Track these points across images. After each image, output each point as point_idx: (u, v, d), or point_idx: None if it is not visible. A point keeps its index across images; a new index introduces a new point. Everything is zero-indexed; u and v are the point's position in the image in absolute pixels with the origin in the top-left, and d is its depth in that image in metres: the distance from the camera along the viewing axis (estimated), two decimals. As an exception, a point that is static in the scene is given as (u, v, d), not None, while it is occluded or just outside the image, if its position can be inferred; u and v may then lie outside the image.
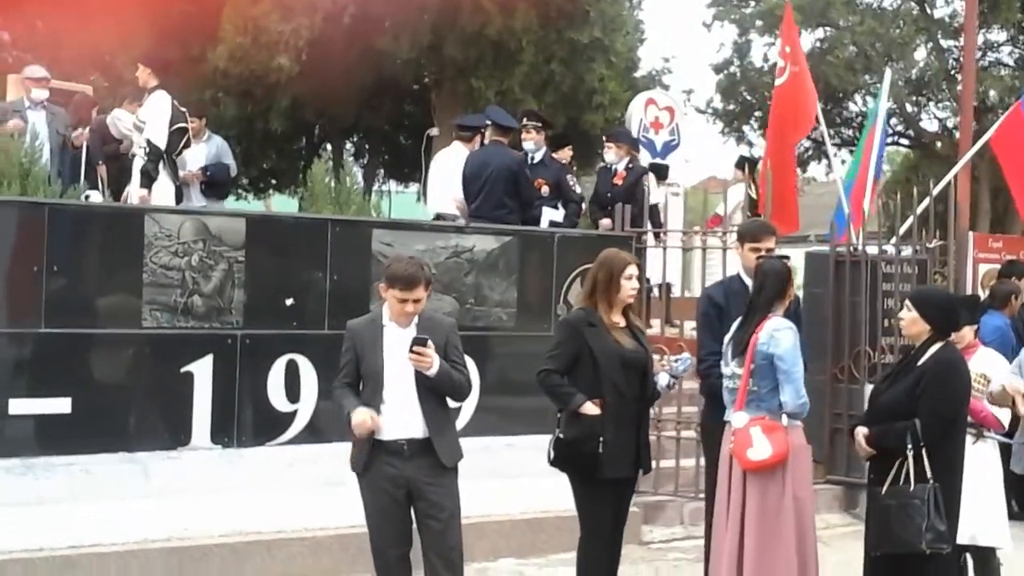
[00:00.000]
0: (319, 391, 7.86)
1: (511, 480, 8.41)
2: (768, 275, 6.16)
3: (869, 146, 10.61)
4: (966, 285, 10.76)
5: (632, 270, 6.47)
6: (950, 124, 21.35)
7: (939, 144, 22.23)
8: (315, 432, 7.87)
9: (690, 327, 10.74)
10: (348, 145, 22.58)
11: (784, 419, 5.88)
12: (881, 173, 10.66)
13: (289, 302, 7.85)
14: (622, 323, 6.44)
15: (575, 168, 12.27)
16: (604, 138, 12.38)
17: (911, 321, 6.03)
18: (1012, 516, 7.33)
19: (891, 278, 10.08)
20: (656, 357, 6.78)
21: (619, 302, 6.41)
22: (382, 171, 22.77)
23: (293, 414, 7.84)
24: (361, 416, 5.77)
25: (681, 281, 10.78)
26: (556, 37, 16.17)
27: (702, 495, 9.42)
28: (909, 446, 5.71)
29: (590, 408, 6.21)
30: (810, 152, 22.51)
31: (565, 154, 12.09)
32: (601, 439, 6.19)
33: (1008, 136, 10.61)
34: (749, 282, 6.69)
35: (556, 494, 7.90)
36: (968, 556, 6.74)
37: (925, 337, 5.98)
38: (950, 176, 11.00)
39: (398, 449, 5.86)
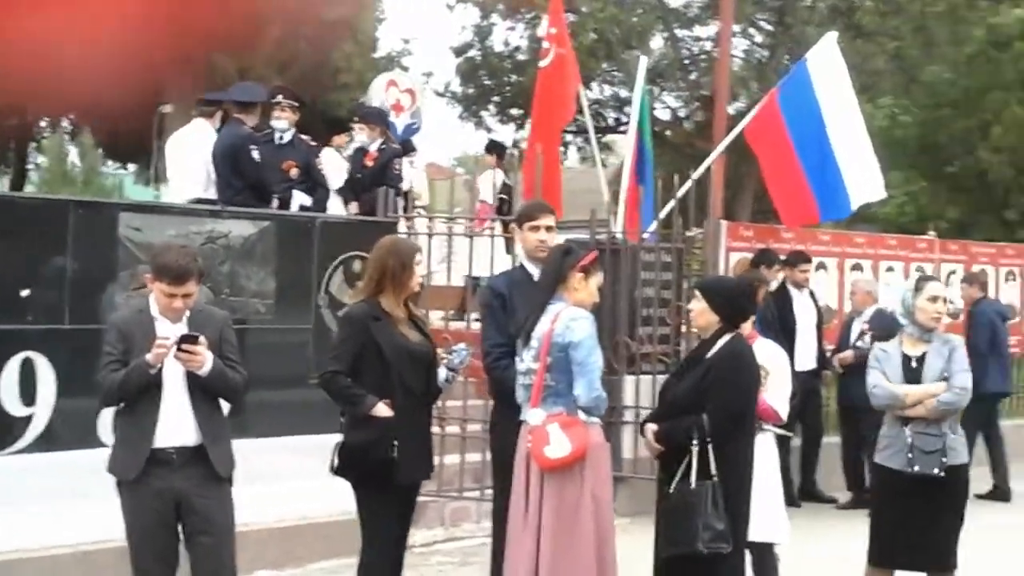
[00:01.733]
0: (58, 393, 7.09)
1: (267, 486, 7.82)
2: (547, 258, 5.94)
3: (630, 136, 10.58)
4: (718, 274, 10.80)
5: (419, 257, 6.17)
6: (682, 113, 21.83)
7: (669, 133, 22.66)
8: (54, 439, 7.08)
9: (442, 316, 10.45)
10: (65, 123, 21.23)
11: (582, 414, 5.58)
12: (649, 165, 10.59)
13: (24, 293, 7.04)
14: (404, 315, 6.05)
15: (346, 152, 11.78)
16: (355, 118, 11.93)
17: (700, 312, 5.84)
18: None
19: (651, 267, 10.03)
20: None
21: (407, 292, 6.03)
22: (100, 151, 21.51)
23: (28, 419, 7.03)
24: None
25: (448, 269, 10.41)
26: (302, 12, 15.51)
27: (465, 494, 9.20)
28: (694, 442, 5.51)
29: (383, 410, 5.80)
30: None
31: (342, 140, 11.58)
32: (395, 442, 5.81)
33: (762, 126, 10.73)
34: (533, 269, 6.44)
35: (313, 500, 7.53)
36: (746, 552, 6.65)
37: (714, 328, 5.81)
38: (708, 162, 11.07)
39: (167, 458, 5.31)
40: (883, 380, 6.42)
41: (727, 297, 5.88)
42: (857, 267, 12.27)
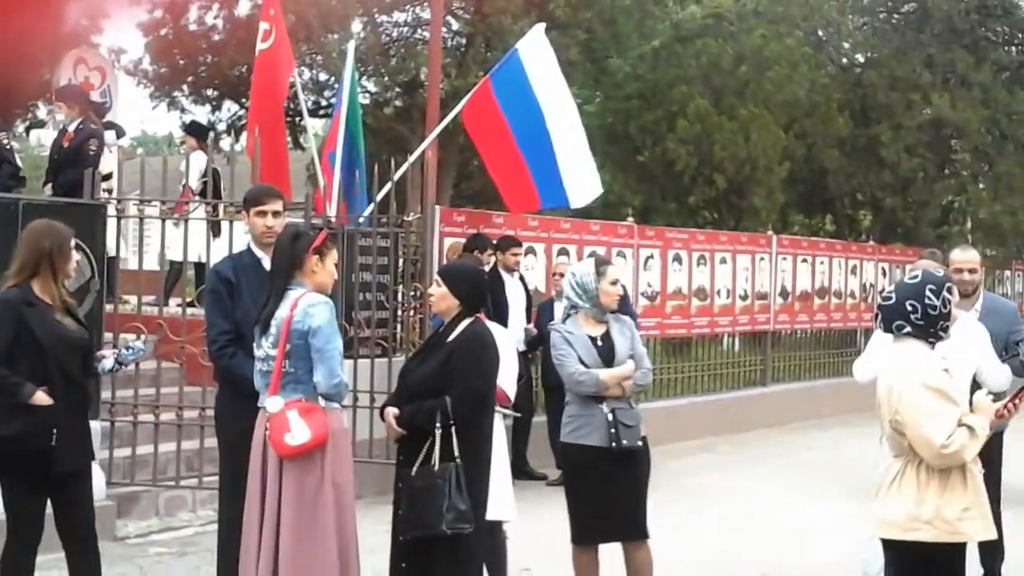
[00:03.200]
0: None
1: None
2: (276, 245, 5.79)
3: (339, 119, 10.51)
4: (433, 258, 10.90)
5: (73, 241, 6.06)
6: (382, 99, 21.76)
7: (369, 118, 22.52)
8: None
9: (147, 302, 10.10)
10: None
11: (321, 401, 5.52)
12: (361, 149, 10.54)
13: None
14: (58, 300, 5.92)
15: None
16: (54, 96, 11.38)
17: (441, 296, 5.87)
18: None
19: (368, 251, 10.02)
20: (129, 336, 6.25)
21: (63, 276, 5.95)
22: None
23: None
24: None
25: (159, 254, 10.03)
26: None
27: (182, 483, 8.96)
28: (438, 424, 5.55)
29: (43, 398, 5.67)
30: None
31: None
32: (55, 431, 5.71)
33: (477, 112, 10.86)
34: (260, 254, 6.34)
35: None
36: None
37: (455, 313, 5.86)
38: (425, 146, 11.11)
39: None
40: (581, 366, 6.49)
41: (468, 283, 5.92)
42: (563, 252, 12.64)
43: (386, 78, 20.76)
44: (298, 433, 5.41)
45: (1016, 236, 20.65)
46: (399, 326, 10.74)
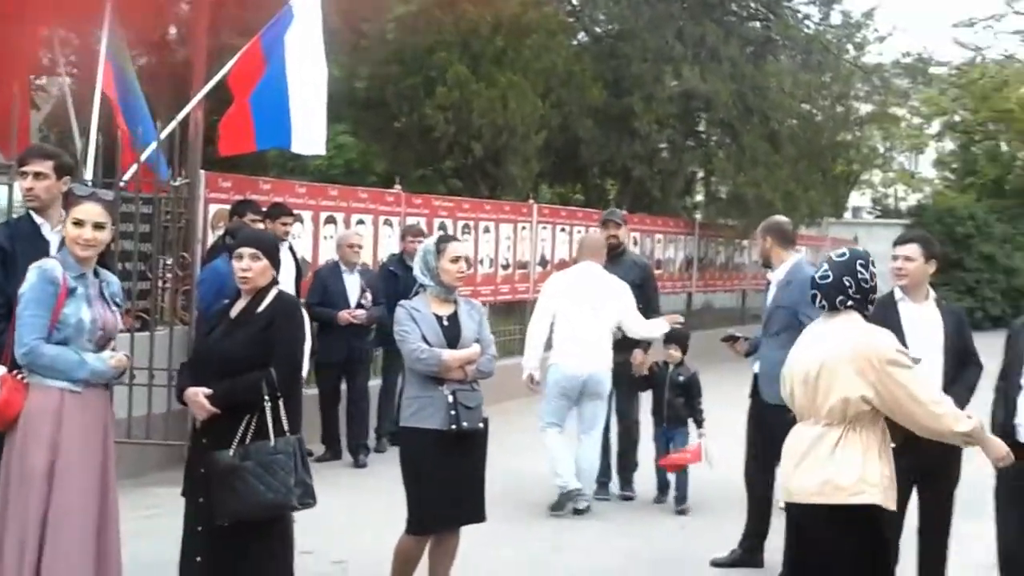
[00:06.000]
0: None
1: None
2: None
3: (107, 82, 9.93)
4: (198, 225, 10.38)
5: None
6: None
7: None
8: None
9: None
10: None
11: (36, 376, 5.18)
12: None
13: None
14: None
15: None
16: None
17: (262, 270, 5.58)
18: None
19: (130, 218, 9.45)
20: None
21: None
22: None
23: None
24: None
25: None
26: None
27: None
28: (266, 397, 5.30)
29: None
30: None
31: None
32: None
33: (240, 69, 10.45)
34: (40, 220, 5.94)
35: None
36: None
37: (268, 282, 5.61)
38: (190, 107, 10.49)
39: None
40: (423, 343, 6.31)
41: (275, 250, 5.78)
42: (331, 219, 12.29)
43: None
44: None
45: (759, 207, 21.30)
46: (160, 297, 10.23)
